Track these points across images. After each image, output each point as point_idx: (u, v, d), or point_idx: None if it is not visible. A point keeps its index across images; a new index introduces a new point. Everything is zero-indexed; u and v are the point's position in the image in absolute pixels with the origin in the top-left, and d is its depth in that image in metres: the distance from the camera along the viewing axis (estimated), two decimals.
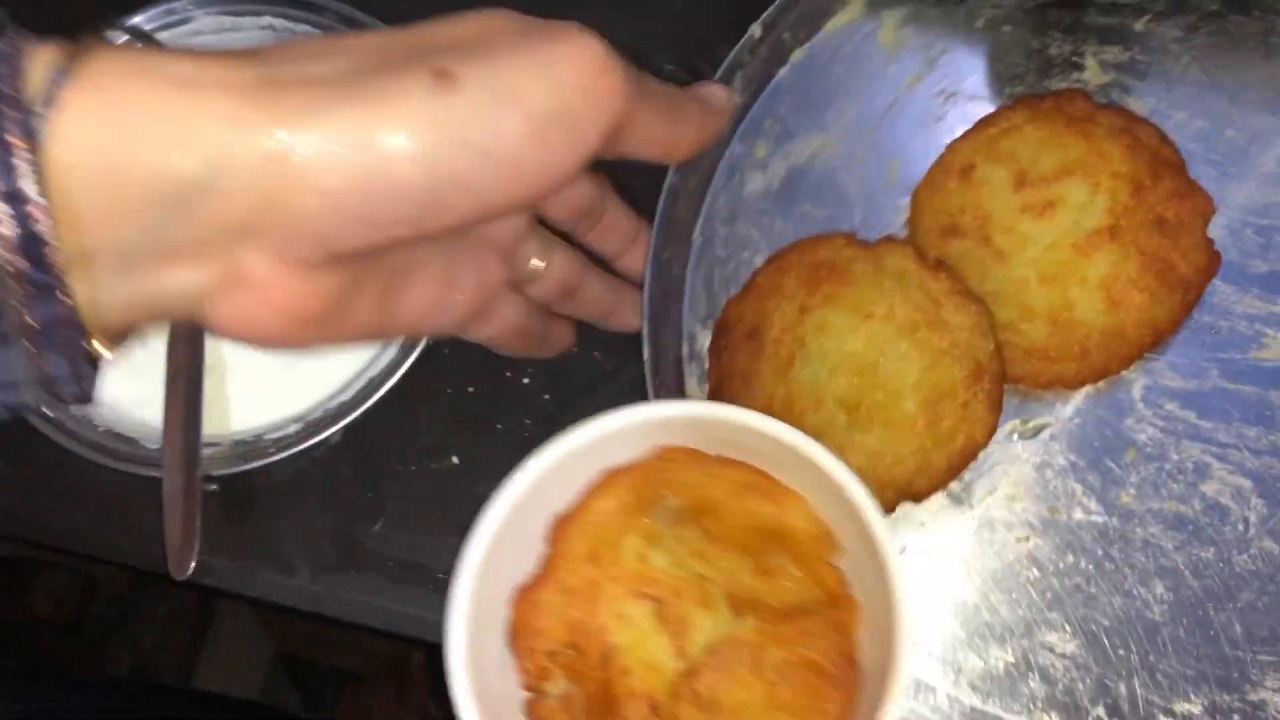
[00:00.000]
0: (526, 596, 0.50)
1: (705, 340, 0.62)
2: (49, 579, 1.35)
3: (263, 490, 0.64)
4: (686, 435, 0.50)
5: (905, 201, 0.62)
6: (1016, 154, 0.60)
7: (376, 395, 0.61)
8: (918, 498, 0.57)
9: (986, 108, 0.63)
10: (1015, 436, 0.59)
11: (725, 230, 0.63)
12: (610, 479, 0.51)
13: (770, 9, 0.63)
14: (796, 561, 0.50)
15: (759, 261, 0.62)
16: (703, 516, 0.51)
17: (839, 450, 0.55)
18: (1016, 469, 0.59)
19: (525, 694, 0.50)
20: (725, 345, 0.59)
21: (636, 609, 0.50)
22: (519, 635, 0.50)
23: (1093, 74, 0.63)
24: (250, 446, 0.61)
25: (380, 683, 1.35)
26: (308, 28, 0.66)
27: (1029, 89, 0.63)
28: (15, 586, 1.34)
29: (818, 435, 0.56)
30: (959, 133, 0.62)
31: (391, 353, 0.62)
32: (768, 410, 0.57)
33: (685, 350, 0.62)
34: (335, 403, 0.62)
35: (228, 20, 0.67)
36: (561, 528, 0.51)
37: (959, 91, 0.64)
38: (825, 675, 0.48)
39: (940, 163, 0.61)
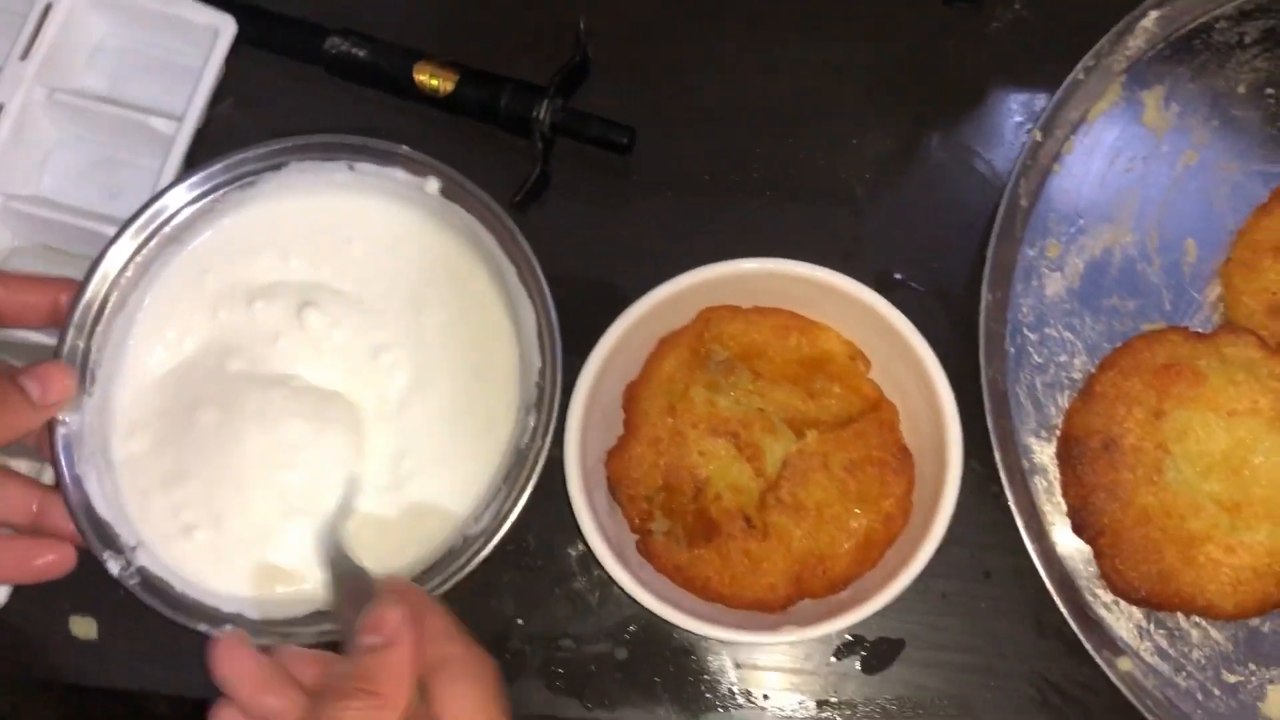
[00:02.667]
0: (618, 455, 0.59)
1: (1041, 451, 0.61)
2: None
3: None
4: (723, 294, 0.59)
5: (1213, 280, 0.62)
6: None
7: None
8: None
9: (1270, 175, 0.63)
10: None
11: (1035, 336, 0.63)
12: (666, 344, 0.60)
13: (1045, 110, 0.63)
14: (837, 381, 0.59)
15: (1078, 364, 0.62)
16: (751, 360, 0.59)
17: (1228, 551, 0.56)
18: None
19: (634, 536, 0.59)
20: (1080, 459, 0.59)
21: (716, 445, 0.58)
22: (619, 487, 0.59)
23: None
24: None
25: None
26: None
27: None
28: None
29: (1202, 540, 0.57)
30: (1250, 206, 0.63)
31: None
32: (1143, 520, 0.58)
33: (1026, 464, 0.61)
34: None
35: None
36: (634, 393, 0.60)
37: (1237, 163, 0.64)
38: (885, 465, 0.58)
39: (1246, 240, 0.62)
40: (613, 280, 0.64)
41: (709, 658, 0.61)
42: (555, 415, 0.57)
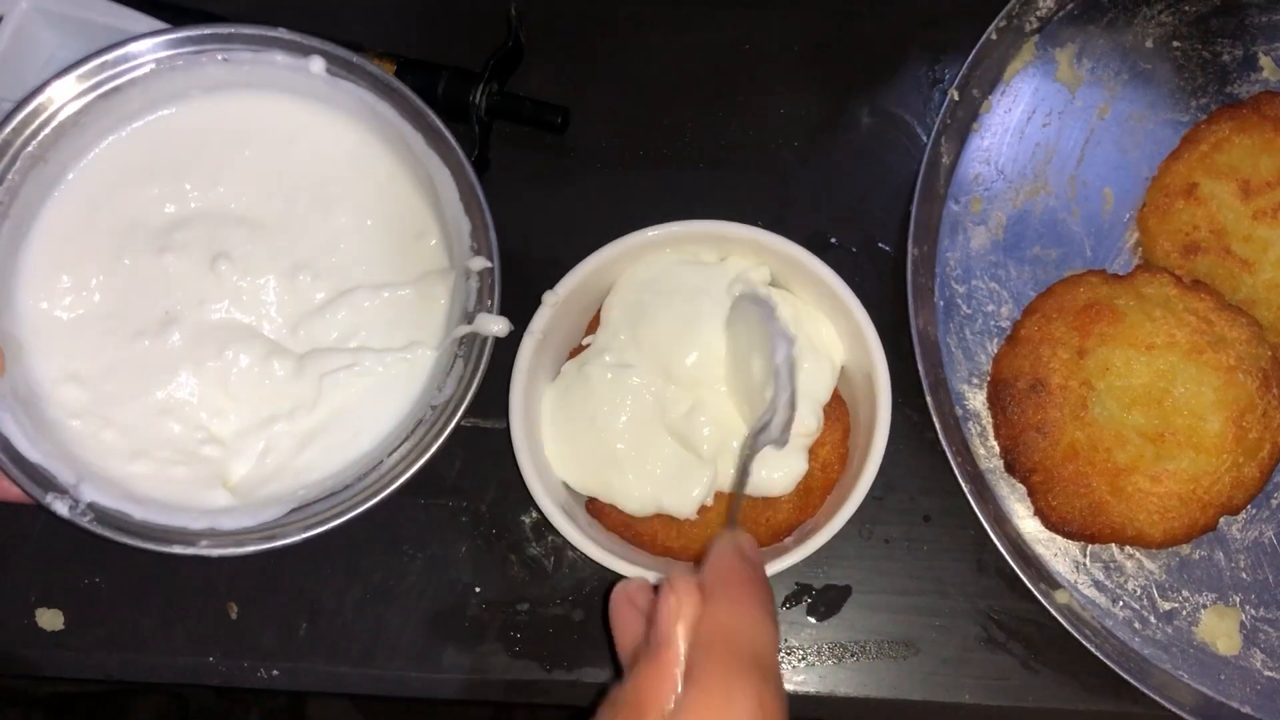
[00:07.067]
0: None
1: (974, 397, 0.64)
2: (145, 703, 1.33)
3: None
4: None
5: (1131, 226, 0.65)
6: (1235, 165, 0.62)
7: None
8: (1236, 511, 0.59)
9: (1179, 124, 0.66)
10: None
11: (963, 288, 0.65)
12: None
13: (961, 70, 0.65)
14: None
15: (1005, 312, 0.64)
16: None
17: (1154, 481, 0.58)
18: None
19: (584, 498, 0.61)
20: (1009, 401, 0.61)
21: None
22: None
23: (1270, 71, 0.66)
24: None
25: None
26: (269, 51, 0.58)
27: (1213, 98, 0.66)
28: (114, 716, 1.32)
29: (1129, 471, 0.58)
30: (1162, 153, 0.65)
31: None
32: (1072, 455, 0.60)
33: (960, 411, 0.63)
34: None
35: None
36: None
37: (1148, 114, 0.66)
38: (825, 411, 0.59)
39: (1159, 185, 0.64)
40: (556, 255, 0.66)
41: None
42: (498, 271, 0.56)
